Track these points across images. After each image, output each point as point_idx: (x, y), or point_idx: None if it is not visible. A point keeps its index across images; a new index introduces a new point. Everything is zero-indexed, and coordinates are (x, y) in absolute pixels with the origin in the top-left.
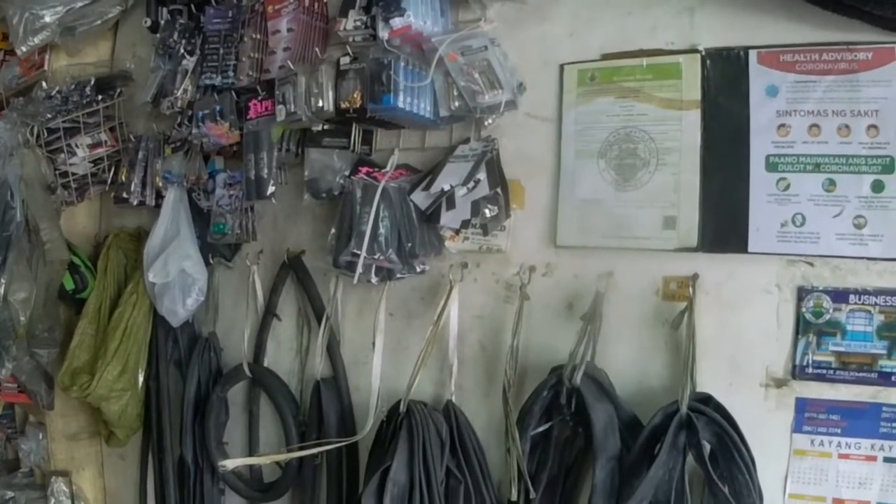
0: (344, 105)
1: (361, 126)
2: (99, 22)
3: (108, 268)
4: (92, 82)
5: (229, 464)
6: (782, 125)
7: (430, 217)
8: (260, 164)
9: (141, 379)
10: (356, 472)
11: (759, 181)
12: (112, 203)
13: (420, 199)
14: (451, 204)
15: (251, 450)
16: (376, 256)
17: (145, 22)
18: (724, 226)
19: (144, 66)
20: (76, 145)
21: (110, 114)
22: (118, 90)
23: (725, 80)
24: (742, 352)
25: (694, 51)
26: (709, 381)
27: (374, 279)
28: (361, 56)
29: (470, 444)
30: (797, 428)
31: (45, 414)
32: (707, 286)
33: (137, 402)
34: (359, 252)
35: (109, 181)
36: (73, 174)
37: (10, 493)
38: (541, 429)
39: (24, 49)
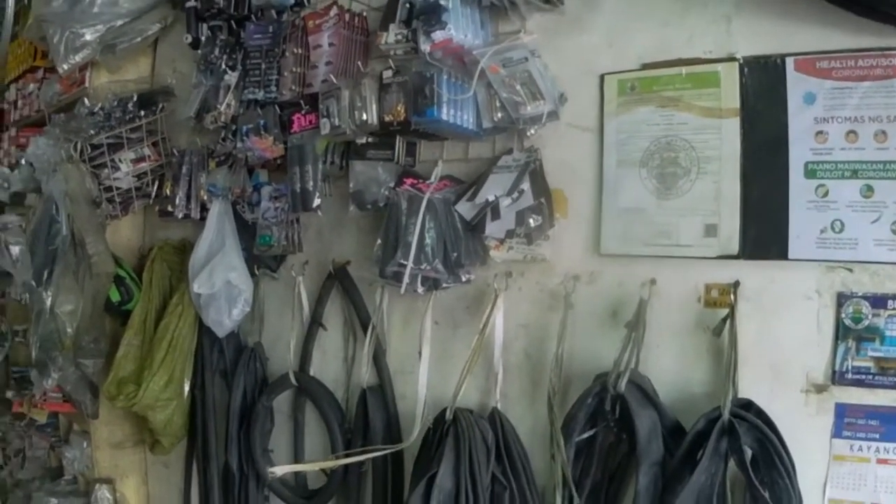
0: (388, 118)
1: (405, 138)
2: (139, 39)
3: (153, 280)
4: (134, 98)
5: (278, 470)
6: (820, 132)
7: (475, 227)
8: (305, 176)
9: (186, 388)
10: (401, 480)
11: (798, 188)
12: (155, 216)
13: (465, 209)
14: (496, 214)
15: (296, 457)
16: (423, 266)
17: (186, 38)
18: (765, 233)
19: (185, 81)
20: (120, 160)
21: (153, 129)
22: (160, 105)
23: (763, 87)
24: (783, 358)
25: (732, 59)
26: (750, 386)
27: (420, 289)
28: (404, 69)
29: (515, 451)
30: (836, 433)
31: (89, 423)
32: (748, 293)
33: (183, 412)
34: (406, 262)
35: (153, 195)
36: (118, 188)
37: (53, 500)
38: (585, 435)
39: (65, 67)
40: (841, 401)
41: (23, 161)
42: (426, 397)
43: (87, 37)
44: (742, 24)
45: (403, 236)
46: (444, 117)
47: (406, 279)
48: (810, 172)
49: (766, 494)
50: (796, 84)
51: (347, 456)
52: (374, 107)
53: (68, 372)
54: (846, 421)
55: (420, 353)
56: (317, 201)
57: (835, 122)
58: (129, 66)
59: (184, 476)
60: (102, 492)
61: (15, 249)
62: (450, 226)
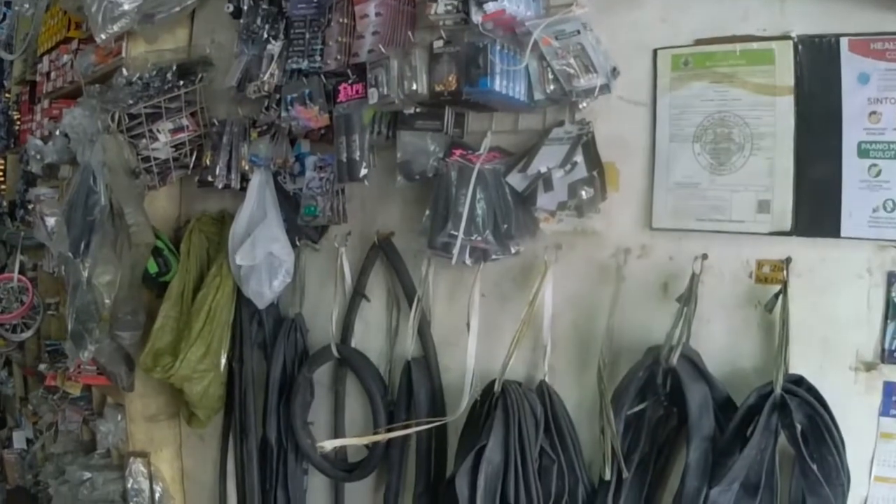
0: (438, 88)
1: (454, 109)
2: (178, 9)
3: (190, 251)
4: (173, 68)
5: (327, 445)
6: (873, 112)
7: (526, 199)
8: (352, 146)
9: (224, 360)
10: (444, 453)
11: (851, 167)
12: (192, 187)
13: (516, 180)
14: (548, 186)
15: (337, 430)
16: (473, 237)
17: (227, 7)
18: (818, 210)
19: (224, 51)
20: (158, 130)
21: (191, 99)
22: (199, 76)
23: (817, 66)
24: (833, 335)
25: (786, 37)
26: (800, 363)
27: (468, 260)
28: (455, 40)
29: (564, 424)
30: (884, 411)
31: (123, 396)
32: (799, 269)
33: (219, 384)
34: (456, 233)
35: (192, 165)
36: (156, 159)
37: (87, 474)
38: (636, 409)
39: (102, 37)
40: (890, 379)
41: (57, 132)
42: (474, 369)
43: (125, 6)
44: (796, 3)
45: (454, 207)
46: (497, 88)
47: (456, 250)
48: (863, 152)
49: (816, 469)
50: (850, 64)
51: (394, 430)
52: (425, 77)
53: (104, 344)
54: (894, 399)
55: (468, 325)
56: (363, 171)
57: (888, 102)
58: (167, 36)
59: (220, 449)
60: (137, 465)
61: (50, 221)
62: (500, 197)
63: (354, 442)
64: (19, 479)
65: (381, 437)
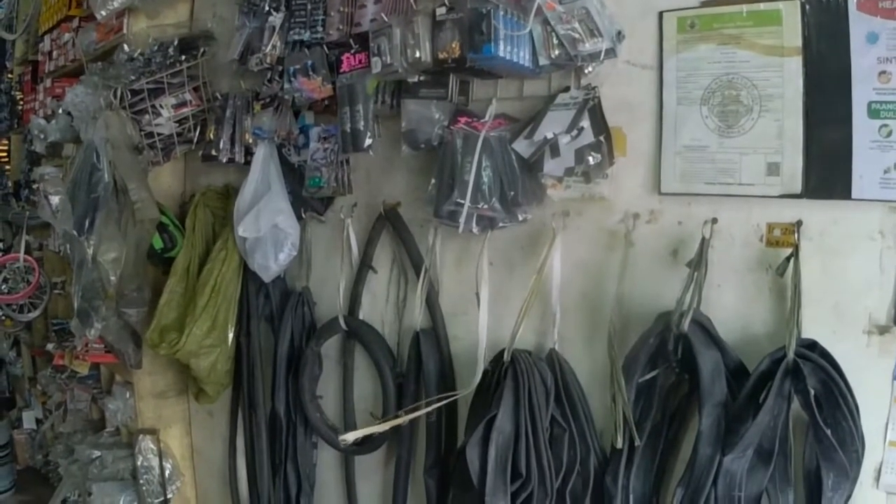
0: (442, 55)
1: (458, 76)
2: None
3: (195, 226)
4: (175, 43)
5: (350, 437)
6: (883, 72)
7: (533, 165)
8: (356, 116)
9: (231, 335)
10: (455, 424)
11: (862, 128)
12: (196, 162)
13: (522, 147)
14: (555, 152)
15: (346, 402)
16: (480, 205)
17: None
18: (828, 172)
19: (225, 25)
20: (161, 106)
21: (194, 73)
22: (201, 50)
23: (825, 26)
24: (845, 298)
25: None
26: (812, 327)
27: (475, 228)
28: (458, 6)
29: (574, 393)
30: None
31: (131, 373)
32: (810, 232)
33: (227, 358)
34: (463, 201)
35: (196, 140)
36: (159, 134)
37: (96, 453)
38: (647, 376)
39: (103, 13)
40: None
41: (60, 110)
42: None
43: None
44: None
45: (460, 175)
46: (502, 54)
47: (463, 218)
48: (874, 112)
49: (830, 434)
50: (859, 23)
51: (409, 410)
52: (428, 44)
53: (111, 321)
54: None
55: (478, 296)
56: (368, 141)
57: None
58: (168, 11)
59: (229, 424)
60: (146, 442)
61: (54, 199)
62: (506, 164)
63: (376, 430)
64: (30, 459)
65: (402, 419)
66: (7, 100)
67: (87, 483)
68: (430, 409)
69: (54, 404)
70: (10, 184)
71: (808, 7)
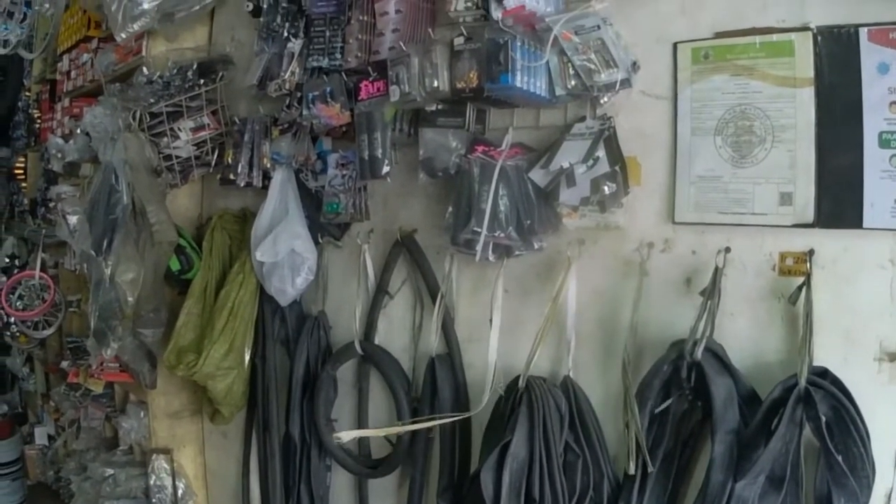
0: (460, 85)
1: (475, 105)
2: (197, 7)
3: (213, 248)
4: (194, 66)
5: (344, 436)
6: (894, 102)
7: (549, 194)
8: (374, 143)
9: (247, 357)
10: (468, 449)
11: (873, 158)
12: (213, 185)
13: (539, 176)
14: (571, 181)
15: (360, 426)
16: (496, 234)
17: (247, 6)
18: (840, 202)
19: (244, 49)
20: (179, 129)
21: (212, 97)
22: (220, 74)
23: (837, 57)
24: (856, 326)
25: (806, 29)
26: (824, 355)
27: (491, 256)
28: (476, 36)
29: (588, 419)
30: None
31: (146, 392)
32: (822, 261)
33: (243, 380)
34: (480, 229)
35: (213, 163)
36: (177, 157)
37: (109, 471)
38: (663, 406)
39: (123, 36)
40: None
41: (78, 130)
42: (496, 365)
43: (145, 5)
44: None
45: (477, 203)
46: (518, 84)
47: (480, 246)
48: (884, 142)
49: (841, 461)
50: (870, 54)
51: (417, 423)
52: (446, 73)
53: (127, 341)
54: None
55: (491, 321)
56: (386, 168)
57: None
58: (187, 35)
59: (243, 446)
60: (159, 462)
61: (72, 219)
62: (522, 193)
63: (370, 433)
64: (41, 474)
65: (400, 429)
66: (25, 118)
67: (99, 501)
68: (433, 423)
69: (67, 421)
70: (26, 201)
71: (819, 38)
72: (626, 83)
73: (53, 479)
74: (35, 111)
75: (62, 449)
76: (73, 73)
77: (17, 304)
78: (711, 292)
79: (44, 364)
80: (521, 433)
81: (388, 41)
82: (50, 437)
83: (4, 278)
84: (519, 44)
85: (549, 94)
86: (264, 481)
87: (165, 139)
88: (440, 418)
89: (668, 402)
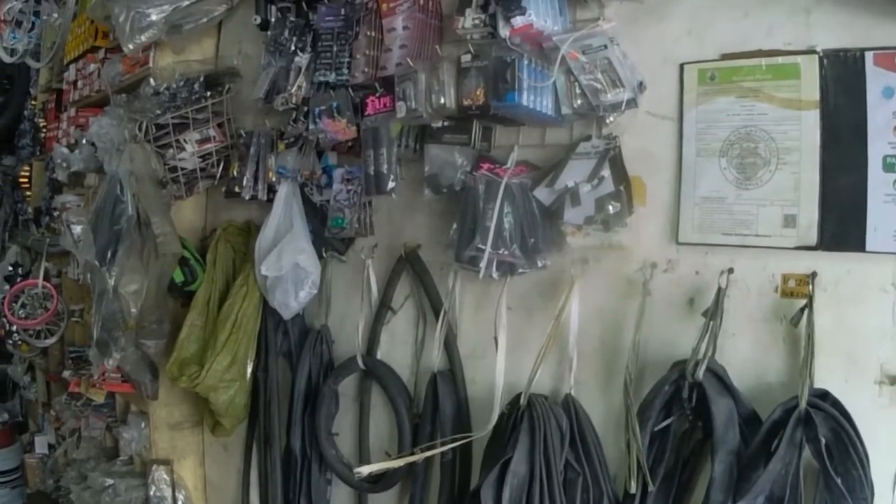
0: (466, 102)
1: (481, 123)
2: (205, 20)
3: (216, 261)
4: (201, 79)
5: (364, 470)
6: None
7: (553, 213)
8: (379, 159)
9: (249, 370)
10: (469, 465)
11: (877, 181)
12: (218, 197)
13: (543, 195)
14: (575, 200)
15: (361, 441)
16: (501, 251)
17: (255, 20)
18: (843, 225)
19: (251, 62)
20: (185, 141)
21: (218, 110)
22: (227, 87)
23: (842, 81)
24: (858, 349)
25: (812, 52)
26: (824, 377)
27: (495, 274)
28: (483, 54)
29: (589, 437)
30: None
31: (147, 403)
32: (825, 284)
33: (245, 393)
34: (484, 247)
35: (218, 176)
36: (182, 169)
37: (109, 481)
38: (663, 424)
39: (130, 47)
40: None
41: (84, 140)
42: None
43: (153, 17)
44: (821, 17)
45: (481, 221)
46: (525, 102)
47: (484, 263)
48: (888, 166)
49: (840, 483)
50: (875, 78)
51: (426, 448)
52: (453, 91)
53: (129, 352)
54: None
55: (496, 340)
56: (391, 184)
57: None
58: (194, 47)
59: (243, 458)
60: (160, 473)
61: (76, 229)
62: (527, 211)
63: (391, 465)
64: (40, 483)
65: (417, 457)
66: (30, 126)
67: None
68: (445, 448)
69: (68, 430)
70: (30, 210)
71: (825, 61)
72: (632, 103)
73: (53, 488)
74: (41, 120)
75: (62, 458)
76: (79, 83)
77: (20, 312)
78: (714, 313)
79: (45, 373)
80: (521, 450)
81: (396, 57)
82: (50, 446)
83: (7, 287)
84: (526, 62)
85: (555, 112)
86: (264, 494)
87: (171, 151)
88: (450, 441)
89: (669, 420)
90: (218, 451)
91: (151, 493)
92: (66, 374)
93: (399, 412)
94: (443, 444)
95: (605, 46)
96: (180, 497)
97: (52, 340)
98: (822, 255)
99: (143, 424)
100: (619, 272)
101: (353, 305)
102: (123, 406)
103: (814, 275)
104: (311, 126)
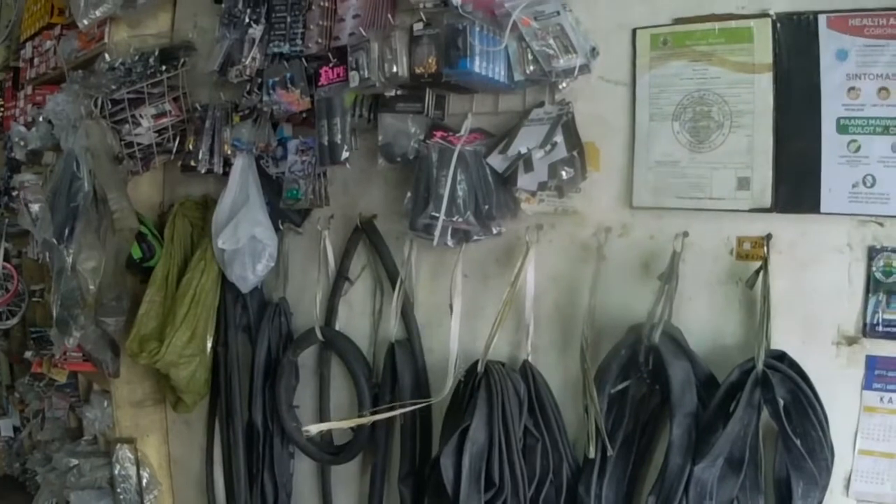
0: (419, 70)
1: (434, 91)
2: None
3: (174, 236)
4: (156, 53)
5: (313, 429)
6: (852, 88)
7: (507, 180)
8: (333, 129)
9: (209, 345)
10: (429, 434)
11: (831, 143)
12: (175, 172)
13: (497, 162)
14: (528, 166)
15: (322, 412)
16: (455, 219)
17: None
18: (797, 186)
19: (206, 36)
20: (141, 116)
21: (174, 84)
22: (182, 60)
23: (796, 44)
24: (814, 310)
25: (765, 15)
26: (782, 338)
27: (450, 241)
28: (435, 22)
29: (547, 403)
30: (867, 385)
31: (109, 382)
32: (780, 246)
33: (205, 368)
34: (437, 215)
35: (174, 150)
36: (139, 144)
37: (74, 461)
38: (619, 387)
39: (85, 22)
40: (871, 353)
41: (41, 118)
42: (457, 351)
43: None
44: None
45: (435, 189)
46: (477, 69)
47: (438, 232)
48: (842, 128)
49: (799, 444)
50: (829, 41)
51: (379, 412)
52: (405, 59)
53: (89, 330)
54: (876, 373)
55: (451, 307)
56: (345, 154)
57: (867, 78)
58: (149, 22)
59: (206, 434)
60: (124, 451)
61: (34, 207)
62: (481, 178)
63: (340, 425)
64: (7, 467)
65: (366, 419)
66: None
67: (64, 491)
68: (396, 412)
69: (32, 412)
70: None
71: (779, 25)
72: (584, 69)
73: (20, 472)
74: None
75: (27, 440)
76: (36, 61)
77: None
78: (669, 276)
79: (7, 355)
80: (480, 418)
81: (349, 27)
82: (15, 429)
83: None
84: (478, 29)
85: (507, 79)
86: (228, 469)
87: (127, 126)
88: (402, 406)
89: (626, 383)
90: (181, 428)
91: (116, 471)
92: (28, 354)
93: (358, 382)
94: (395, 408)
95: (558, 13)
96: (145, 475)
97: (13, 322)
98: (777, 218)
99: (105, 403)
100: (574, 237)
101: (310, 277)
102: (86, 385)
103: (769, 237)
104: (266, 97)
